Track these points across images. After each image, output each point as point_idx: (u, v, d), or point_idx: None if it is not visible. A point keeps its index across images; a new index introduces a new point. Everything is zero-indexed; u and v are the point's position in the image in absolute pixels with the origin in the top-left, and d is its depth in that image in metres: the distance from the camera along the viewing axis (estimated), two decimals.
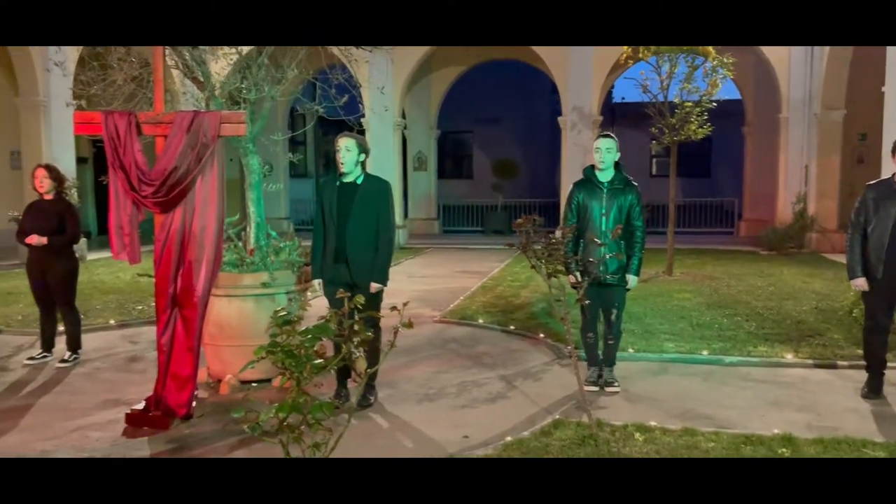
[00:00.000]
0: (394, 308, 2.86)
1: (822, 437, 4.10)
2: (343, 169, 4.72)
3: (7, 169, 14.27)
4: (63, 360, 5.88)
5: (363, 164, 4.81)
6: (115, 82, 5.44)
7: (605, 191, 5.04)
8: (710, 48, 9.78)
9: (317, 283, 4.92)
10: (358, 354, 2.71)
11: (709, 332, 6.74)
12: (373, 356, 4.55)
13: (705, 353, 6.01)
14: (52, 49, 11.05)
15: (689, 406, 4.78)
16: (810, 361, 5.78)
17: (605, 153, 5.00)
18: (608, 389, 5.09)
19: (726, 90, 11.24)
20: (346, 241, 4.71)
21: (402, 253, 13.57)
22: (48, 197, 5.82)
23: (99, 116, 4.46)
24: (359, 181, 4.77)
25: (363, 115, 14.38)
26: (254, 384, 5.23)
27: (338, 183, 4.79)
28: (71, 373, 5.69)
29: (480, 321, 7.43)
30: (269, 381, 5.32)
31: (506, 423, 4.44)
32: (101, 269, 11.26)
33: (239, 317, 5.20)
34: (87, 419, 4.60)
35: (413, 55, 15.14)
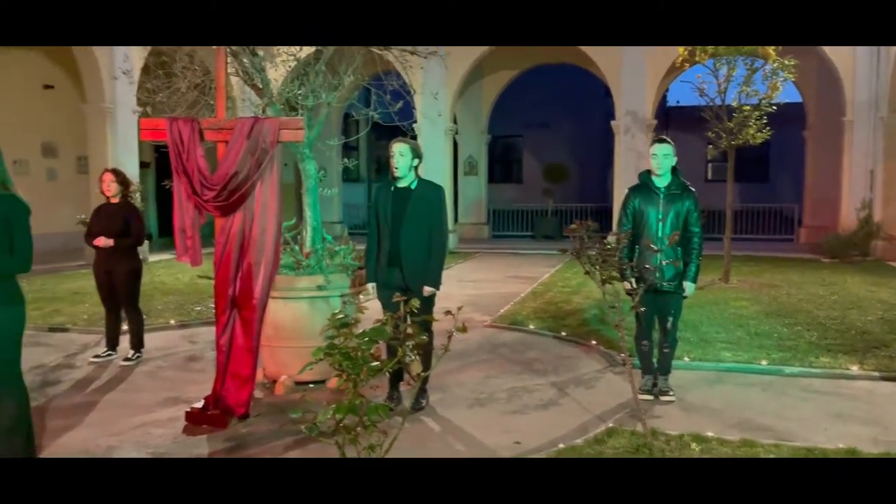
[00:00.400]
0: (448, 312, 2.88)
1: (889, 451, 3.95)
2: (397, 173, 4.78)
3: (74, 173, 14.85)
4: (126, 359, 6.08)
5: (417, 168, 4.86)
6: (178, 90, 5.61)
7: (661, 196, 4.97)
8: (771, 50, 9.55)
9: (371, 286, 4.98)
10: (413, 357, 2.74)
11: (767, 341, 6.57)
12: (426, 360, 4.59)
13: (764, 362, 5.85)
14: (120, 57, 11.48)
15: (746, 416, 4.66)
16: (876, 374, 5.57)
17: (662, 159, 4.93)
18: (663, 398, 5.01)
19: (787, 93, 10.98)
20: (400, 245, 4.76)
21: (452, 257, 13.61)
22: (114, 200, 6.03)
23: (164, 123, 4.60)
24: (413, 186, 4.82)
25: (415, 121, 14.53)
26: (309, 385, 5.31)
27: (392, 188, 4.85)
28: (134, 371, 5.87)
29: (531, 327, 7.40)
30: (323, 382, 5.40)
31: (558, 430, 4.41)
32: (162, 271, 11.60)
33: (294, 318, 5.30)
34: (149, 416, 4.74)
35: (465, 60, 15.19)
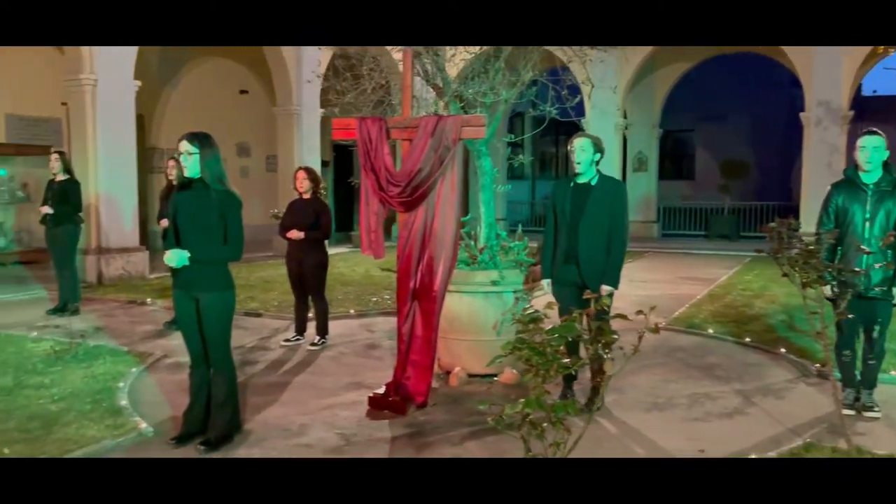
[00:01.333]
0: (640, 312, 2.80)
1: None
2: (577, 169, 4.72)
3: (263, 171, 16.13)
4: (313, 344, 6.50)
5: (598, 164, 4.77)
6: (364, 90, 5.89)
7: (869, 194, 4.51)
8: None
9: (545, 282, 4.96)
10: (607, 356, 2.68)
11: None
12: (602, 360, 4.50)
13: None
14: (311, 63, 12.33)
15: None
16: None
17: (871, 152, 4.48)
18: (866, 414, 4.56)
19: None
20: (578, 241, 4.69)
21: None
22: (306, 196, 6.46)
23: (354, 122, 4.86)
24: (593, 182, 4.74)
25: (584, 117, 14.30)
26: (483, 378, 5.40)
27: (571, 183, 4.79)
28: (319, 355, 6.27)
29: (710, 331, 7.02)
30: (494, 376, 5.47)
31: (746, 441, 4.15)
32: (340, 263, 12.29)
33: (469, 312, 5.40)
34: (335, 399, 5.04)
35: (638, 54, 14.73)
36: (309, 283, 6.49)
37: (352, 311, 8.09)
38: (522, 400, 2.65)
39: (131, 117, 10.20)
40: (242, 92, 15.60)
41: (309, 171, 6.52)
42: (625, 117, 16.81)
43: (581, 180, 4.76)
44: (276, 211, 7.28)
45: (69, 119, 10.68)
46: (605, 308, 2.79)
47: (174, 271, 3.98)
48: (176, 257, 3.83)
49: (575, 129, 7.37)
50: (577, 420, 3.02)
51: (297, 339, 6.64)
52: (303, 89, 13.17)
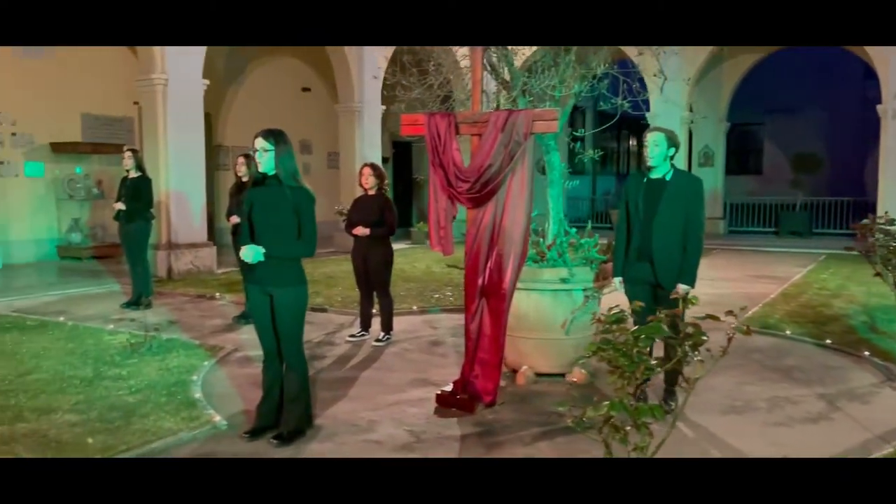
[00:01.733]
0: (730, 312, 2.68)
1: None
2: (650, 163, 4.58)
3: (325, 168, 16.32)
4: (377, 340, 6.52)
5: (672, 158, 4.63)
6: (431, 86, 5.86)
7: None
8: None
9: (617, 281, 4.84)
10: (697, 357, 2.58)
11: None
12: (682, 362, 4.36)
13: None
14: (373, 60, 12.41)
15: None
16: None
17: None
18: None
19: None
20: (652, 239, 4.56)
21: None
22: (371, 192, 6.47)
23: (423, 118, 4.82)
24: (668, 177, 4.59)
25: (648, 110, 13.98)
26: (551, 377, 5.31)
27: (645, 179, 4.66)
28: (384, 351, 6.28)
29: (788, 332, 6.75)
30: (562, 375, 5.38)
31: (832, 448, 3.97)
32: (400, 259, 12.21)
33: (537, 310, 5.32)
34: (401, 395, 5.03)
35: (705, 47, 14.30)
36: (374, 279, 6.51)
37: (414, 308, 8.10)
38: (606, 402, 2.56)
39: (200, 115, 10.43)
40: (305, 89, 15.81)
41: (374, 167, 6.52)
42: (690, 111, 16.37)
43: (654, 175, 4.62)
44: (340, 207, 7.35)
45: (141, 118, 11.00)
46: (693, 303, 2.68)
47: (247, 267, 4.02)
48: (252, 253, 3.87)
49: (637, 123, 7.21)
50: (670, 422, 2.92)
51: (362, 335, 6.67)
52: (364, 86, 13.27)
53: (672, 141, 4.59)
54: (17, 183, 11.52)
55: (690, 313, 3.19)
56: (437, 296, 8.82)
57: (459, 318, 7.62)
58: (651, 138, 4.56)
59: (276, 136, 3.96)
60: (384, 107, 13.63)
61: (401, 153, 18.21)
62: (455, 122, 4.74)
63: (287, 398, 4.10)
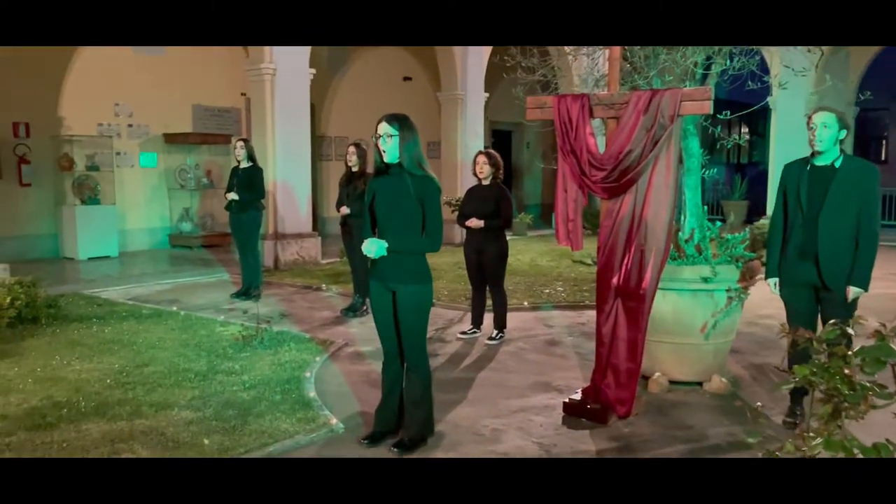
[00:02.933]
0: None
1: None
2: (818, 147, 3.99)
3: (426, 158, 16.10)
4: (490, 338, 6.17)
5: (842, 143, 4.03)
6: (552, 67, 5.45)
7: None
8: None
9: (771, 282, 4.29)
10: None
11: None
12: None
13: None
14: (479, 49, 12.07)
15: None
16: None
17: None
18: None
19: None
20: (818, 235, 3.99)
21: None
22: (486, 182, 6.11)
23: (552, 100, 4.42)
24: (837, 164, 3.99)
25: (770, 95, 12.99)
26: (686, 385, 4.83)
27: (808, 166, 4.08)
28: (499, 350, 5.93)
29: None
30: (699, 384, 4.88)
31: None
32: None
33: (674, 312, 4.82)
34: (524, 401, 4.66)
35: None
36: (488, 273, 6.17)
37: (525, 304, 7.71)
38: (816, 438, 2.08)
39: (306, 105, 10.38)
40: (406, 79, 15.63)
41: (489, 155, 6.14)
42: (853, 96, 15.14)
43: (820, 162, 4.04)
44: (450, 198, 7.05)
45: (249, 108, 11.07)
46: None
47: (362, 259, 3.75)
48: (375, 248, 3.59)
49: (755, 110, 6.58)
50: None
51: (474, 332, 6.34)
52: (468, 73, 12.93)
53: (843, 122, 3.99)
54: (132, 173, 11.88)
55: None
56: (547, 291, 8.40)
57: (574, 316, 7.22)
58: (820, 119, 3.97)
59: (400, 121, 3.67)
60: (486, 94, 13.24)
61: (500, 142, 17.79)
62: (589, 104, 4.30)
63: (408, 402, 3.81)
